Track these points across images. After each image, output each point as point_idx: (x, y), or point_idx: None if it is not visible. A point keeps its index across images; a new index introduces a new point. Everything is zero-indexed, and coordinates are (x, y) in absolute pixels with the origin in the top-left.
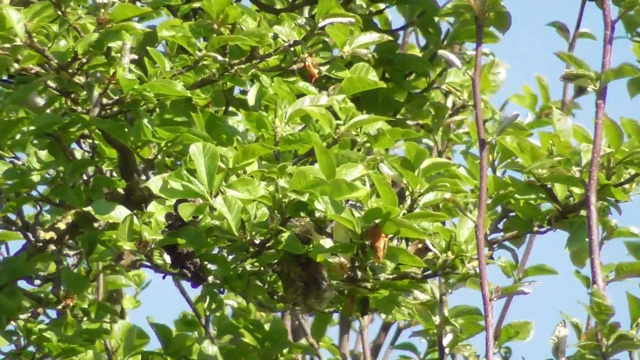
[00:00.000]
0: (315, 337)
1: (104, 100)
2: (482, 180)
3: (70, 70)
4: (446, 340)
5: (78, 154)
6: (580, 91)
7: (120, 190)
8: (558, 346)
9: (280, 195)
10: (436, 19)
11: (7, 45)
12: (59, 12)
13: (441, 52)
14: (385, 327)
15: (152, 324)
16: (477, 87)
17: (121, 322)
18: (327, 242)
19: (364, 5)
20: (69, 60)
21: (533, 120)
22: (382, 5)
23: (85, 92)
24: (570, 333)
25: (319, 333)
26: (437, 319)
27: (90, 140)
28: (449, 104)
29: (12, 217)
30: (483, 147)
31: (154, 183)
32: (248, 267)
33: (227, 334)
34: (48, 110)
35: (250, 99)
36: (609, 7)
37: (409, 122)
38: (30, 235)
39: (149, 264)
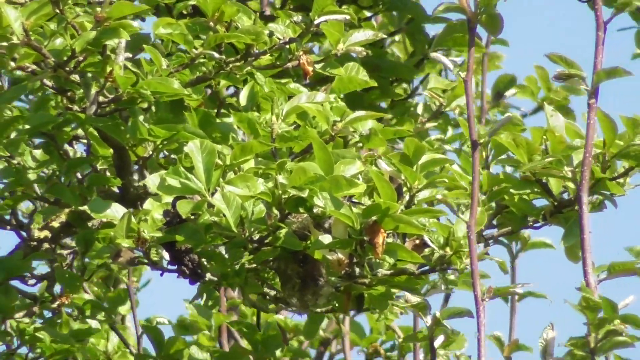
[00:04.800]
0: (307, 338)
1: (100, 99)
2: (474, 181)
3: (67, 69)
4: (437, 342)
5: (71, 153)
6: (499, 96)
7: (115, 189)
8: (546, 348)
9: (280, 192)
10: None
11: (5, 44)
12: (57, 11)
13: (434, 55)
14: None
15: (144, 327)
16: (469, 89)
17: None
18: (325, 238)
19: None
20: (66, 58)
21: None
22: (368, 13)
23: (81, 91)
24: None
25: (311, 333)
26: (428, 320)
27: (85, 140)
28: (419, 110)
29: (6, 216)
30: (475, 148)
31: (151, 181)
32: (245, 265)
33: None
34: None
35: (242, 99)
36: (600, 8)
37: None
38: (24, 234)
39: (146, 261)
